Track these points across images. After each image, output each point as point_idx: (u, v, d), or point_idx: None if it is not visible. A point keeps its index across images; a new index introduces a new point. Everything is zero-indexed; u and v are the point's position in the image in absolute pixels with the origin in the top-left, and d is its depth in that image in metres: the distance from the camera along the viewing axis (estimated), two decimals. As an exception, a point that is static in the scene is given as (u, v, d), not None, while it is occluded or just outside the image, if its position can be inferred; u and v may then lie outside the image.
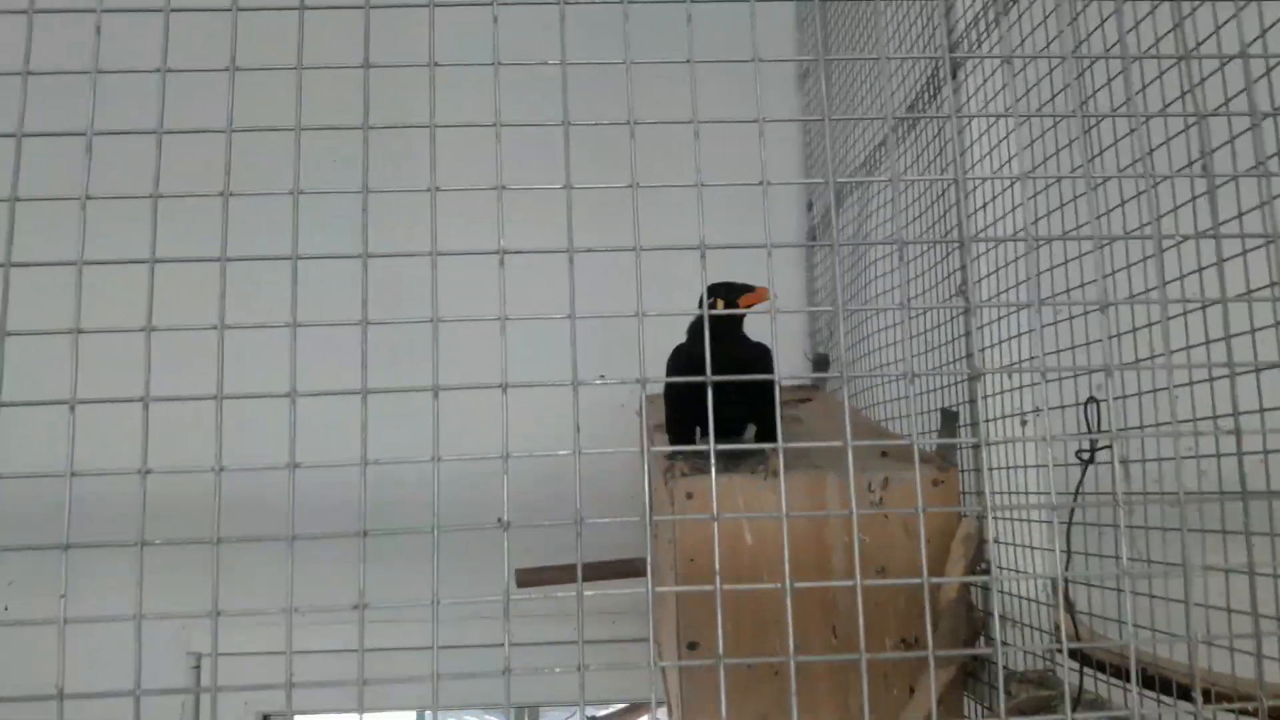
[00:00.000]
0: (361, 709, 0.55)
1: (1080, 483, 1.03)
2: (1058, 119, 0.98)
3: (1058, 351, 1.12)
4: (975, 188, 1.18)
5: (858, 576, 0.63)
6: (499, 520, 0.58)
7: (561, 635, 2.05)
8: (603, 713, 2.29)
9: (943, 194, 1.32)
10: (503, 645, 1.96)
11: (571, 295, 0.56)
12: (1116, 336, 0.95)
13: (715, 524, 0.61)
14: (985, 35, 1.12)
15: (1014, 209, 1.10)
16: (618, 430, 2.13)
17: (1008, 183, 1.12)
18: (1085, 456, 1.01)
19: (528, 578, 1.80)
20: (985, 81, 1.15)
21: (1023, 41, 1.05)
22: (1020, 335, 1.17)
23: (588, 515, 2.07)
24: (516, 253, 0.57)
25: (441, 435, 0.56)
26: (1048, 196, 1.02)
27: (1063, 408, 1.13)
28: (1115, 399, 0.99)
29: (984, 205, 1.16)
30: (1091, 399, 1.00)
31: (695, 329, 1.37)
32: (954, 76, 1.22)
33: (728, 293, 1.35)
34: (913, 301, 1.31)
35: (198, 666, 2.01)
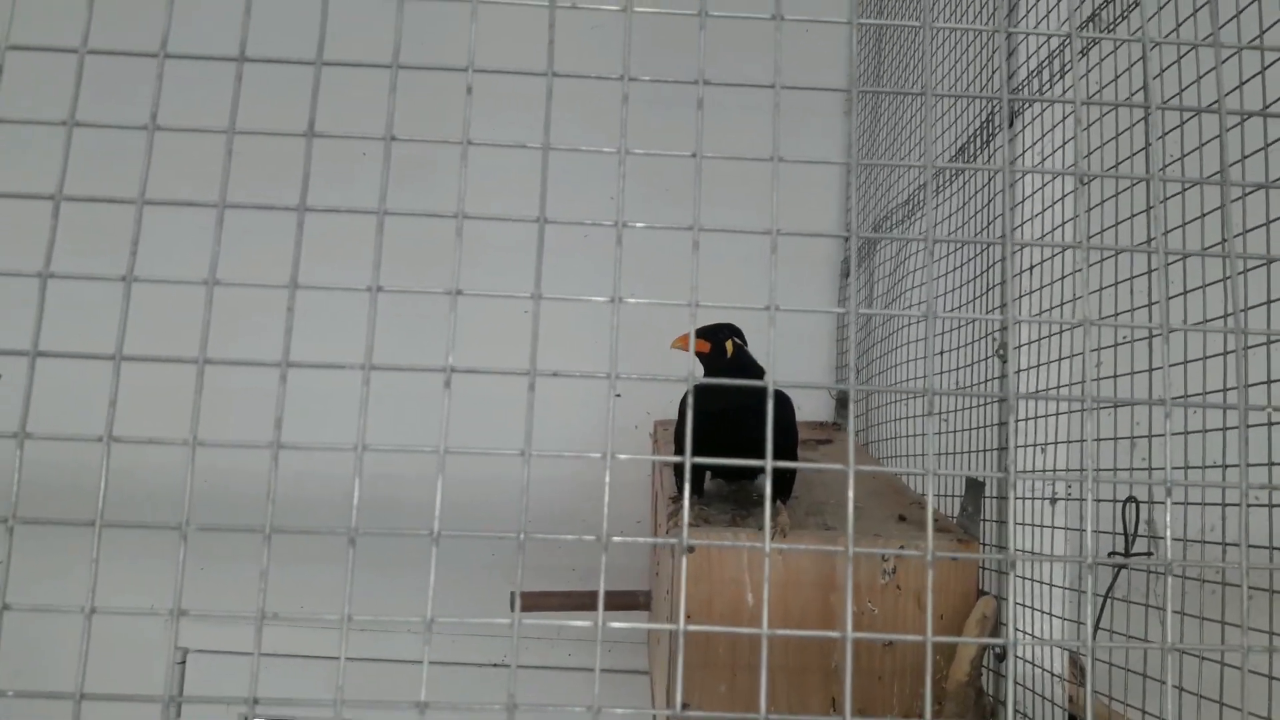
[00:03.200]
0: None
1: (1111, 586, 0.93)
2: (1125, 182, 0.87)
3: (1098, 439, 1.01)
4: (1016, 251, 1.07)
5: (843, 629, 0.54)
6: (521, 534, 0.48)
7: (557, 660, 1.99)
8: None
9: (981, 252, 1.21)
10: (498, 665, 1.87)
11: (617, 276, 0.47)
12: (1181, 434, 0.83)
13: (674, 556, 0.53)
14: (1048, 86, 1.02)
15: (1060, 279, 0.99)
16: (630, 452, 2.06)
17: (1058, 250, 1.01)
18: (1117, 559, 0.91)
19: (529, 602, 1.73)
20: (1044, 135, 1.03)
21: (1096, 93, 0.94)
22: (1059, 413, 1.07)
23: (591, 542, 1.98)
24: (557, 222, 0.47)
25: (454, 444, 0.47)
26: (1101, 269, 0.91)
27: (1097, 501, 1.02)
28: (1159, 502, 0.90)
29: (1029, 268, 1.05)
30: (1131, 498, 0.89)
31: (709, 371, 1.30)
32: (1010, 125, 1.12)
33: (718, 335, 1.28)
34: (940, 380, 1.21)
35: (183, 662, 1.97)
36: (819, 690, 1.17)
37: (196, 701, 0.46)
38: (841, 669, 1.19)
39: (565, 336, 1.93)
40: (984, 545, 1.25)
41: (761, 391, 1.27)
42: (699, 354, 1.29)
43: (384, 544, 1.97)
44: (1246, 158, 0.70)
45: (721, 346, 1.27)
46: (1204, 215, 0.73)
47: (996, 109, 1.13)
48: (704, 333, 1.28)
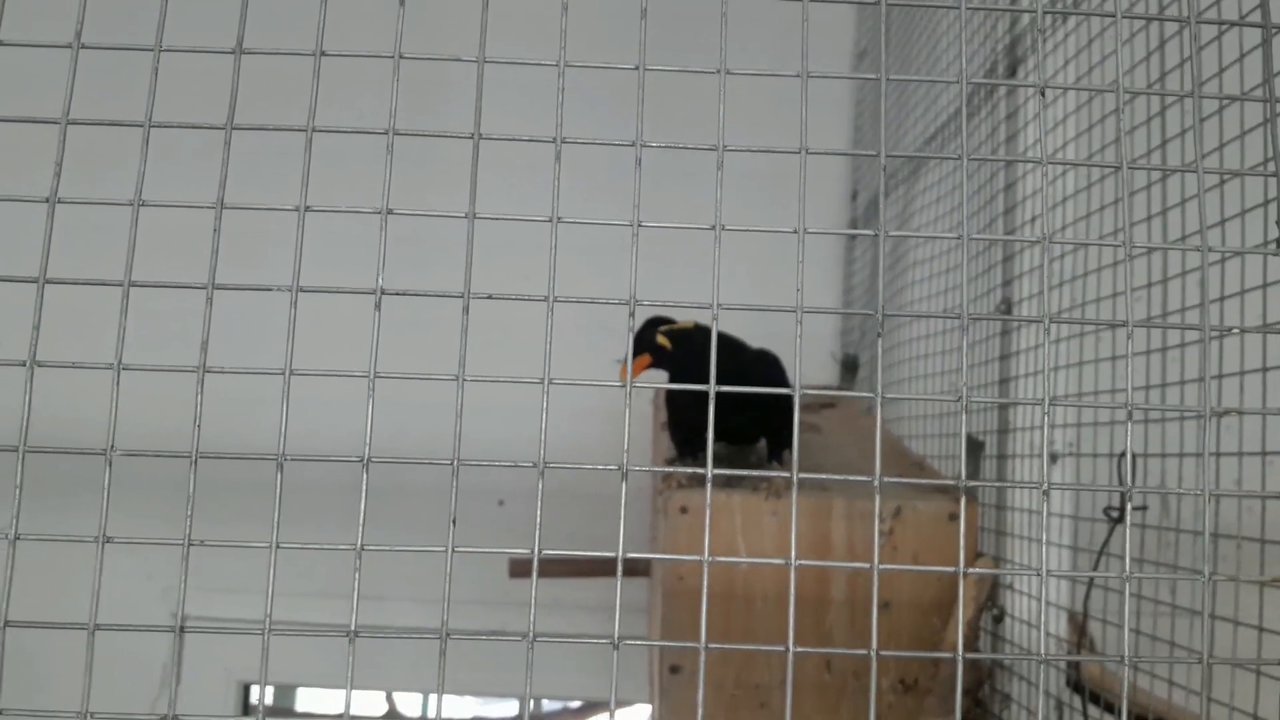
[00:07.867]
0: (350, 679, 0.47)
1: (1105, 543, 0.93)
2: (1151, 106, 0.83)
3: (1095, 392, 1.01)
4: (1056, 178, 1.04)
5: (875, 559, 0.54)
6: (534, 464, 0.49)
7: (556, 628, 1.99)
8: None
9: (992, 199, 1.20)
10: (501, 635, 1.90)
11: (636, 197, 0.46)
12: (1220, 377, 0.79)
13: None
14: (1055, 25, 1.00)
15: (1097, 211, 0.97)
16: (637, 415, 2.06)
17: (1079, 181, 0.99)
18: (1114, 514, 0.91)
19: (523, 569, 1.73)
20: (1059, 71, 1.02)
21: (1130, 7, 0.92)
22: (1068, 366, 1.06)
23: (588, 512, 1.99)
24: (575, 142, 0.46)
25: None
26: (1145, 196, 0.87)
27: (1095, 456, 1.03)
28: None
29: (1051, 208, 1.03)
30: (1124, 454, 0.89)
31: (674, 371, 1.20)
32: (1014, 71, 1.11)
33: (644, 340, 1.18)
34: (957, 310, 1.21)
35: (183, 630, 1.97)
36: (813, 655, 1.17)
37: (201, 632, 0.46)
38: (834, 633, 1.18)
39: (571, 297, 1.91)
40: (982, 506, 1.25)
41: (742, 353, 1.24)
42: (654, 366, 1.17)
43: (384, 515, 1.98)
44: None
45: (656, 346, 1.16)
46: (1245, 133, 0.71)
47: (1003, 56, 1.12)
48: (636, 349, 1.16)
